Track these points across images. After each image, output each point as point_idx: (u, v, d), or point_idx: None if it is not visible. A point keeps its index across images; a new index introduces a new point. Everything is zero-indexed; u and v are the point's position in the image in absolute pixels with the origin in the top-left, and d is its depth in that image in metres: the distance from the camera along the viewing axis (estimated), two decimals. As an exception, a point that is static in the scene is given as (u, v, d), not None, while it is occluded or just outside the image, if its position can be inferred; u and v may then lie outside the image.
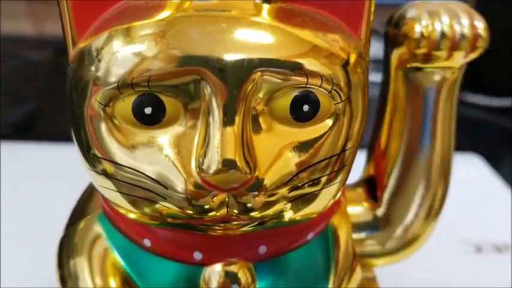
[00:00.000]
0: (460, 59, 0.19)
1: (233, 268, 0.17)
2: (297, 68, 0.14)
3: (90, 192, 0.21)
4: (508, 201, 0.42)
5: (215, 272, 0.17)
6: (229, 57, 0.14)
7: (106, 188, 0.16)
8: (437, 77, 0.20)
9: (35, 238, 0.33)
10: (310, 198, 0.16)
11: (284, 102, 0.15)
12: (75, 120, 0.16)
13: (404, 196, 0.21)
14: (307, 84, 0.15)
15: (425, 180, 0.21)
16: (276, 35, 0.14)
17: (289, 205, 0.16)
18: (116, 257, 0.19)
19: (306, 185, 0.16)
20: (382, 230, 0.22)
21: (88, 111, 0.15)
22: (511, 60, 0.59)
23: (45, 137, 0.48)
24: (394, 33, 0.20)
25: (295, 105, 0.15)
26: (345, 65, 0.15)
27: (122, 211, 0.17)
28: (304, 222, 0.17)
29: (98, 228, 0.19)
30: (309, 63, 0.15)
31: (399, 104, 0.21)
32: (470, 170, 0.46)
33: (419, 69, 0.20)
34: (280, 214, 0.16)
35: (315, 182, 0.16)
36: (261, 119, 0.15)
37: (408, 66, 0.20)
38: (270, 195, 0.15)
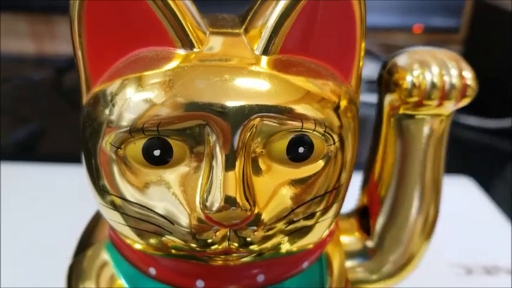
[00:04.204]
0: (450, 107, 0.20)
1: (233, 296, 0.18)
2: (292, 114, 0.16)
3: (96, 221, 0.22)
4: (498, 224, 0.42)
5: None
6: (232, 103, 0.15)
7: (114, 221, 0.17)
8: (427, 124, 0.21)
9: (35, 261, 0.33)
10: (305, 231, 0.17)
11: (281, 144, 0.16)
12: (87, 154, 0.17)
13: (397, 219, 0.22)
14: (302, 128, 0.16)
15: (418, 202, 0.22)
16: (273, 84, 0.16)
17: (286, 238, 0.17)
18: (122, 283, 0.19)
19: (301, 219, 0.17)
20: (374, 259, 0.22)
21: (101, 153, 0.16)
22: (502, 82, 0.60)
23: (47, 158, 0.48)
24: (386, 79, 0.20)
25: (291, 147, 0.16)
26: (336, 108, 0.17)
27: (129, 241, 0.18)
28: (300, 252, 0.18)
29: (105, 256, 0.20)
30: (303, 109, 0.16)
31: (390, 147, 0.22)
32: (461, 192, 0.46)
33: (410, 116, 0.21)
34: (277, 246, 0.17)
35: (310, 216, 0.17)
36: (259, 161, 0.16)
37: (400, 112, 0.21)
38: (268, 230, 0.16)
